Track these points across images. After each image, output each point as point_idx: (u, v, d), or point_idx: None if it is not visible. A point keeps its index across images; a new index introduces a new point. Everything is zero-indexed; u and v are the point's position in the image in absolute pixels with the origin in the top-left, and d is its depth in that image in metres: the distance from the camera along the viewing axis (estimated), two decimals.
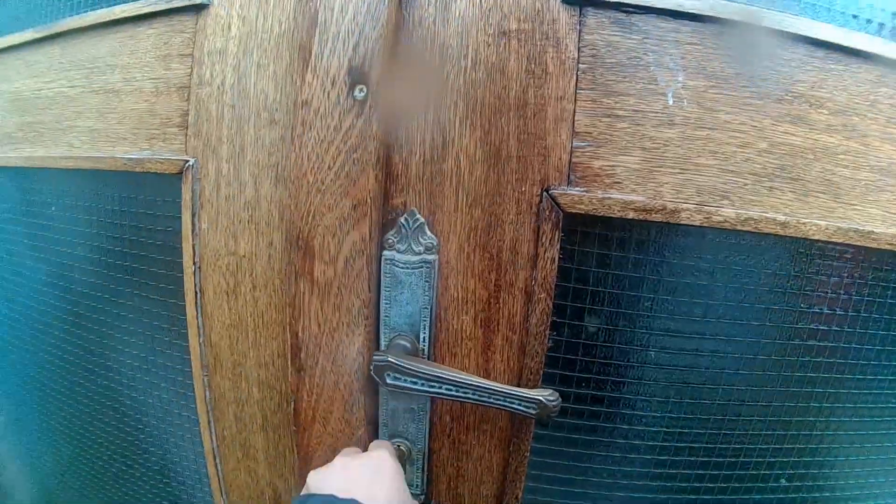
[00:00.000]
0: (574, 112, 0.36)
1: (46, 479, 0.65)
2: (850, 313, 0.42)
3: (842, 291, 0.41)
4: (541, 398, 0.34)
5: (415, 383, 0.35)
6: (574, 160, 0.36)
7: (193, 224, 0.44)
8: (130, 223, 0.50)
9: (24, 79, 0.55)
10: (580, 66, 0.36)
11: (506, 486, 0.42)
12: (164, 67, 0.45)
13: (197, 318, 0.46)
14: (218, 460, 0.49)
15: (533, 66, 0.36)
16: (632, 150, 0.36)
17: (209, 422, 0.48)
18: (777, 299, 0.40)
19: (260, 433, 0.47)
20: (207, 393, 0.48)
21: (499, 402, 0.35)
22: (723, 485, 0.44)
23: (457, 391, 0.35)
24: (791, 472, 0.45)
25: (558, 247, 0.37)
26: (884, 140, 0.39)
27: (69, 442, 0.59)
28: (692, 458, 0.43)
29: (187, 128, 0.45)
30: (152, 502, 0.57)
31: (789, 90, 0.37)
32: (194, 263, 0.45)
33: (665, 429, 0.42)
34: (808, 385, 0.43)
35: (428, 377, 0.35)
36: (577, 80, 0.36)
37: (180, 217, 0.45)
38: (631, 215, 0.36)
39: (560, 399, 0.35)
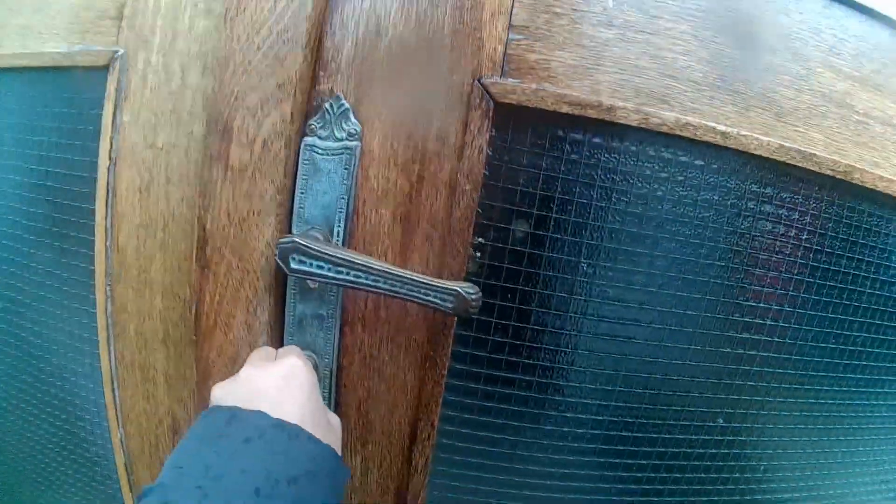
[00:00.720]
0: (512, 6, 0.37)
1: None
2: (788, 239, 0.41)
3: (784, 212, 0.41)
4: (458, 289, 0.33)
5: (321, 267, 0.33)
6: (509, 52, 0.37)
7: (114, 117, 0.44)
8: (54, 125, 0.49)
9: None
10: None
11: (420, 410, 0.40)
12: None
13: (106, 220, 0.44)
14: (116, 385, 0.46)
15: None
16: (569, 47, 0.37)
17: (108, 339, 0.45)
18: (708, 217, 0.40)
19: (161, 349, 0.43)
20: (109, 305, 0.45)
21: (413, 293, 0.33)
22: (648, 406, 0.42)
23: (367, 278, 0.33)
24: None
25: (487, 136, 0.36)
26: (826, 67, 0.41)
27: None
28: (625, 379, 0.41)
29: (122, 20, 0.45)
30: (50, 441, 0.52)
31: (733, 7, 0.39)
32: (110, 159, 0.44)
33: (595, 351, 0.40)
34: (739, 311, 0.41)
35: (336, 261, 0.33)
36: None
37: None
38: (565, 109, 0.36)
39: (480, 294, 0.33)
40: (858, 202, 0.43)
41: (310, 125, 0.38)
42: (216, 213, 0.39)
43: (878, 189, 0.42)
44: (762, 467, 0.48)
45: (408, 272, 0.33)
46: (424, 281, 0.33)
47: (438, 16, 0.37)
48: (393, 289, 0.33)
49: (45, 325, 0.51)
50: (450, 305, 0.33)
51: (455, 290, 0.33)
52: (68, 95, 0.48)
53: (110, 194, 0.44)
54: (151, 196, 0.43)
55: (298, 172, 0.38)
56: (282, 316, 0.40)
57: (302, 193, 0.38)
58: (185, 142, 0.42)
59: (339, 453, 0.30)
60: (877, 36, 0.42)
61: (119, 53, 0.44)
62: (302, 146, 0.38)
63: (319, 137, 0.37)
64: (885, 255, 0.46)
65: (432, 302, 0.33)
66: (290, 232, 0.38)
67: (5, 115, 0.52)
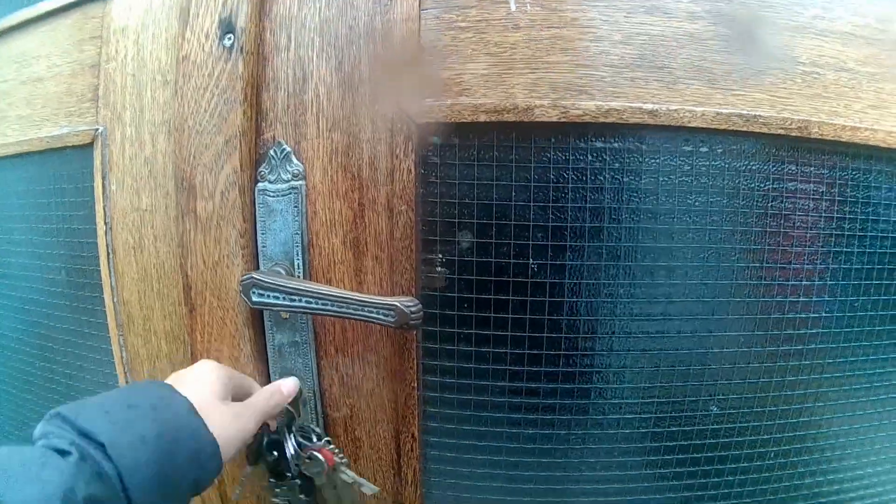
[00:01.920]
0: (419, 30, 0.42)
1: None
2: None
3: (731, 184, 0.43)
4: (397, 304, 0.38)
5: (277, 298, 0.40)
6: (423, 74, 0.42)
7: (104, 186, 0.53)
8: (57, 199, 0.59)
9: None
10: None
11: (399, 423, 0.46)
12: (78, 51, 0.56)
13: (110, 278, 0.54)
14: None
15: None
16: (478, 58, 0.42)
17: (126, 381, 0.55)
18: (664, 207, 0.43)
19: None
20: (124, 353, 0.55)
21: (358, 311, 0.39)
22: (612, 399, 0.46)
23: (317, 303, 0.40)
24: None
25: (413, 158, 0.42)
26: (758, 23, 0.42)
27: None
28: (581, 371, 0.45)
29: (97, 101, 0.54)
30: None
31: None
32: (105, 224, 0.53)
33: (556, 350, 0.44)
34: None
35: (288, 290, 0.40)
36: (420, 1, 0.42)
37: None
38: (483, 118, 0.41)
39: (420, 306, 0.39)
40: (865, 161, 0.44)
41: (260, 172, 0.45)
42: (194, 260, 0.47)
43: (842, 140, 0.43)
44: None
45: (351, 293, 0.40)
46: (366, 300, 0.39)
47: (354, 52, 0.43)
48: (340, 310, 0.40)
49: (72, 376, 0.62)
50: (391, 320, 0.38)
51: (394, 305, 0.38)
52: (65, 171, 0.58)
53: (110, 255, 0.54)
54: (144, 253, 0.52)
55: (256, 215, 0.45)
56: (264, 346, 0.47)
57: (262, 234, 0.45)
58: (163, 201, 0.50)
59: (236, 433, 0.36)
60: None
61: (99, 130, 0.53)
62: (255, 192, 0.45)
63: (269, 182, 0.45)
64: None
65: (376, 318, 0.39)
66: (257, 269, 0.45)
67: (15, 196, 0.64)
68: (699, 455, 0.49)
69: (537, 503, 0.47)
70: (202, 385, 0.37)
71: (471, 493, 0.49)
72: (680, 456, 0.48)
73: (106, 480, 0.29)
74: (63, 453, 0.29)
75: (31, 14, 0.59)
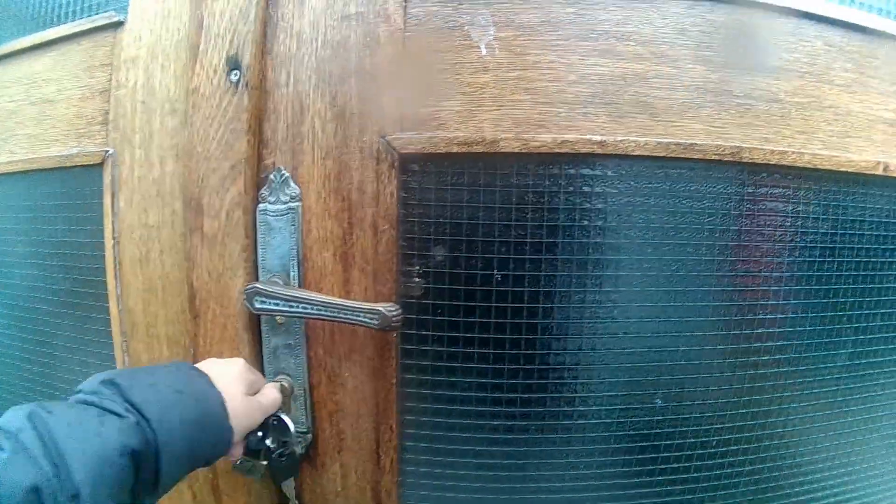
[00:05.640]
0: (403, 71, 0.61)
1: None
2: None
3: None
4: (381, 309, 0.56)
5: (277, 304, 0.58)
6: (404, 110, 0.60)
7: (113, 204, 0.72)
8: (63, 214, 0.78)
9: None
10: (406, 34, 0.61)
11: (379, 417, 0.63)
12: (89, 76, 0.75)
13: (116, 288, 0.72)
14: None
15: (369, 39, 0.61)
16: (453, 96, 0.60)
17: None
18: (612, 224, 0.61)
19: None
20: (127, 358, 0.73)
21: (347, 315, 0.57)
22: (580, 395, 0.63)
23: (312, 309, 0.58)
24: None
25: (395, 183, 0.60)
26: (697, 62, 0.61)
27: None
28: (540, 368, 0.62)
29: (108, 124, 0.73)
30: None
31: (595, 28, 0.60)
32: (113, 238, 0.72)
33: (522, 345, 0.62)
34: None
35: (288, 298, 0.58)
36: (404, 45, 0.61)
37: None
38: (455, 149, 0.59)
39: (401, 311, 0.57)
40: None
41: (261, 194, 0.64)
42: (199, 271, 0.65)
43: (772, 163, 0.61)
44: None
45: (340, 300, 0.58)
46: (354, 305, 0.57)
47: (346, 89, 0.62)
48: (333, 315, 0.57)
49: (73, 381, 0.80)
50: (375, 322, 0.56)
51: (378, 310, 0.56)
52: (71, 189, 0.77)
53: (117, 267, 0.72)
54: (150, 265, 0.70)
55: (257, 233, 0.63)
56: (260, 349, 0.65)
57: (262, 249, 0.63)
58: (170, 218, 0.69)
59: (246, 423, 0.54)
60: (745, 21, 0.61)
61: (110, 153, 0.72)
62: (257, 211, 0.63)
63: (269, 203, 0.63)
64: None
65: (363, 321, 0.57)
66: (256, 280, 0.64)
67: (21, 210, 0.83)
68: (669, 455, 0.66)
69: (507, 489, 0.65)
70: (233, 382, 0.54)
71: (445, 481, 0.66)
72: (646, 452, 0.65)
73: (149, 446, 0.46)
74: (119, 416, 0.45)
75: (40, 39, 0.79)
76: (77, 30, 0.76)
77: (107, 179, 0.72)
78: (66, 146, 0.77)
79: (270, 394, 0.59)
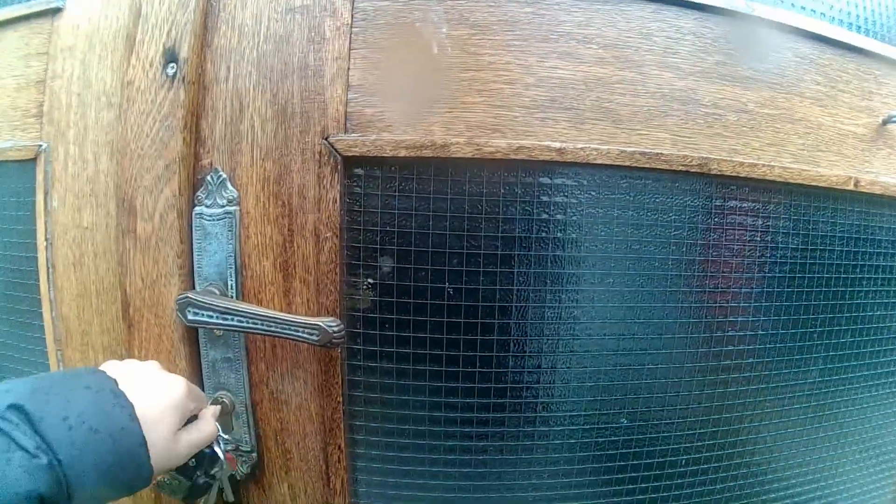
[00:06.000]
0: (348, 69, 0.56)
1: None
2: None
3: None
4: (321, 324, 0.52)
5: (211, 317, 0.54)
6: (349, 110, 0.56)
7: (46, 203, 0.67)
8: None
9: None
10: (353, 29, 0.57)
11: (327, 436, 0.60)
12: (24, 65, 0.70)
13: (49, 292, 0.68)
14: None
15: (313, 34, 0.57)
16: (401, 97, 0.56)
17: None
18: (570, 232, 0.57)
19: None
20: (61, 367, 0.69)
21: (285, 330, 0.53)
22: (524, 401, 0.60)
23: (248, 322, 0.53)
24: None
25: (338, 188, 0.56)
26: (662, 68, 0.57)
27: None
28: (509, 388, 0.59)
29: (42, 117, 0.69)
30: None
31: (554, 30, 0.56)
32: (46, 239, 0.67)
33: (475, 362, 0.58)
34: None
35: (221, 310, 0.54)
36: (350, 41, 0.56)
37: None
38: (403, 153, 0.55)
39: (342, 326, 0.53)
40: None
41: (197, 196, 0.59)
42: (133, 278, 0.61)
43: (741, 175, 0.57)
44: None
45: (278, 314, 0.54)
46: (292, 319, 0.53)
47: (288, 86, 0.57)
48: (269, 329, 0.53)
49: None
50: (315, 338, 0.52)
51: (318, 325, 0.52)
52: (6, 185, 0.72)
53: (50, 270, 0.68)
54: (84, 269, 0.66)
55: (192, 238, 0.59)
56: (199, 362, 0.61)
57: (198, 255, 0.59)
58: (104, 220, 0.64)
59: (167, 464, 0.47)
60: (716, 29, 0.57)
61: (43, 147, 0.67)
62: (193, 215, 0.59)
63: (206, 206, 0.59)
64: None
65: (302, 337, 0.53)
66: (193, 288, 0.59)
67: None
68: (636, 475, 0.63)
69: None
70: (163, 416, 0.47)
71: (401, 502, 0.62)
72: (611, 472, 0.62)
73: (60, 490, 0.40)
74: (28, 453, 0.38)
75: None
76: (13, 15, 0.71)
77: (39, 176, 0.67)
78: (2, 139, 0.72)
79: (206, 428, 0.53)
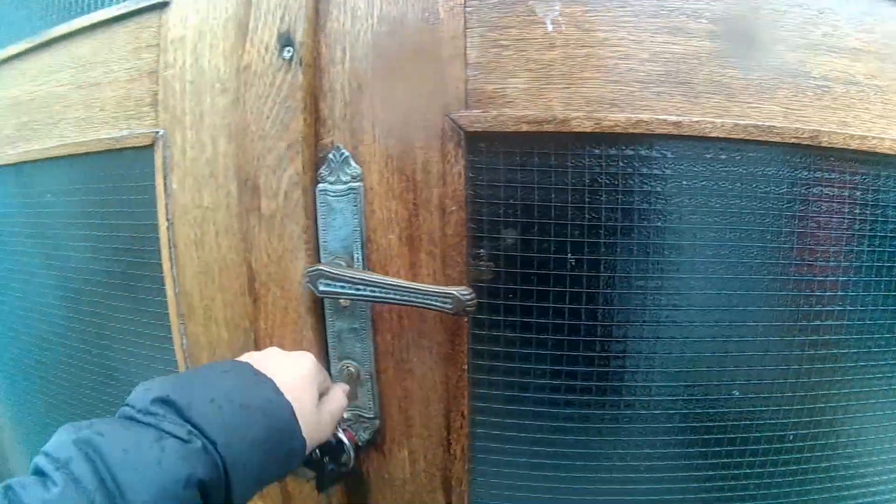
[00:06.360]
0: (465, 47, 0.58)
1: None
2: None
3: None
4: (454, 292, 0.55)
5: (343, 287, 0.57)
6: (469, 87, 0.58)
7: (165, 185, 0.71)
8: (117, 197, 0.77)
9: (19, 85, 0.87)
10: (467, 9, 0.58)
11: (450, 403, 0.63)
12: (136, 58, 0.73)
13: (172, 270, 0.72)
14: None
15: (427, 14, 0.59)
16: (519, 73, 0.58)
17: (186, 368, 0.73)
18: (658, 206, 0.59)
19: None
20: (184, 341, 0.73)
21: (418, 299, 0.56)
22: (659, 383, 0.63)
23: (381, 292, 0.56)
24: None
25: (463, 163, 0.58)
26: (776, 42, 0.58)
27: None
28: (625, 357, 0.61)
29: (157, 105, 0.72)
30: None
31: (664, 5, 0.57)
32: (167, 220, 0.71)
33: (597, 331, 0.60)
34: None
35: (355, 281, 0.57)
36: (465, 21, 0.58)
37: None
38: (524, 128, 0.57)
39: (474, 295, 0.55)
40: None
41: (320, 173, 0.62)
42: (258, 254, 0.64)
43: (851, 147, 0.58)
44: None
45: (412, 283, 0.56)
46: (426, 289, 0.56)
47: (406, 66, 0.60)
48: (403, 298, 0.56)
49: (130, 363, 0.80)
50: (449, 307, 0.55)
51: (452, 294, 0.55)
52: (124, 171, 0.76)
53: (172, 249, 0.71)
54: (205, 247, 0.69)
55: (317, 213, 0.62)
56: (324, 333, 0.65)
57: (323, 230, 0.62)
58: (225, 199, 0.68)
59: (317, 436, 0.49)
60: (821, 1, 0.58)
61: (160, 133, 0.71)
62: (316, 192, 0.62)
63: (329, 183, 0.61)
64: None
65: (435, 305, 0.55)
66: (318, 262, 0.62)
67: (72, 193, 0.82)
68: (722, 436, 0.65)
69: (581, 478, 0.64)
70: (304, 387, 0.50)
71: (517, 469, 0.66)
72: (721, 444, 0.65)
73: (217, 473, 0.39)
74: (181, 440, 0.39)
75: (84, 23, 0.77)
76: (122, 12, 0.74)
77: (158, 161, 0.71)
78: (116, 128, 0.75)
79: (338, 400, 0.56)
